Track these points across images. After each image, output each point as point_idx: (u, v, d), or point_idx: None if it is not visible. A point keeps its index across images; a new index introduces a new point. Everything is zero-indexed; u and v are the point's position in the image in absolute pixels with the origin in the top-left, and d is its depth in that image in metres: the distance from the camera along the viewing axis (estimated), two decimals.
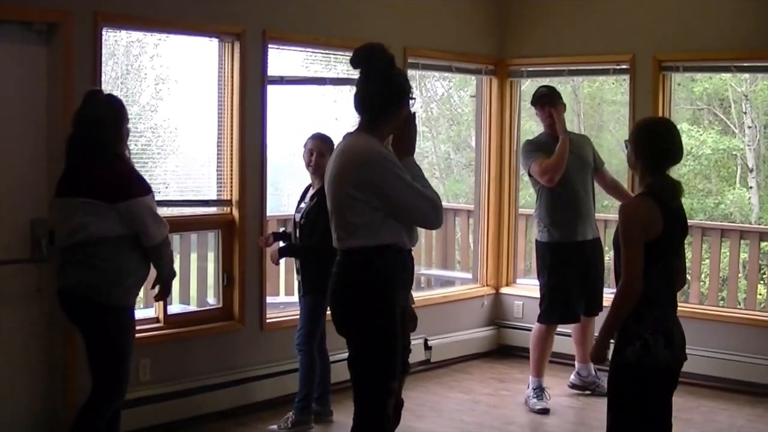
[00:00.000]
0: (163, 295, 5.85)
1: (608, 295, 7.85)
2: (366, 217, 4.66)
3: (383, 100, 4.74)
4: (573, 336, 7.99)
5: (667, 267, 4.64)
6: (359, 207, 4.66)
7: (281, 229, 7.50)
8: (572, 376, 8.09)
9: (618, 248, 4.61)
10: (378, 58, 4.79)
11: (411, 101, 4.85)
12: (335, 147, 4.97)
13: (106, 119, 5.33)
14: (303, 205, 6.91)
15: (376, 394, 4.77)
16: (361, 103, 4.81)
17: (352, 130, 4.90)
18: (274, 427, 6.91)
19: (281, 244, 7.11)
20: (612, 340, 4.69)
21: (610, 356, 4.73)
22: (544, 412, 7.53)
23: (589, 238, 7.66)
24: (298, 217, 6.91)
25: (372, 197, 4.62)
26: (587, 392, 7.94)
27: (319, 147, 6.82)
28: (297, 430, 6.84)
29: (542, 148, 7.55)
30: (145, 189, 5.37)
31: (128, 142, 5.55)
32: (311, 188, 6.94)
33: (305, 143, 6.91)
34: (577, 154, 7.59)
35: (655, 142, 4.67)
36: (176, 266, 7.72)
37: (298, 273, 6.96)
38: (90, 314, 5.36)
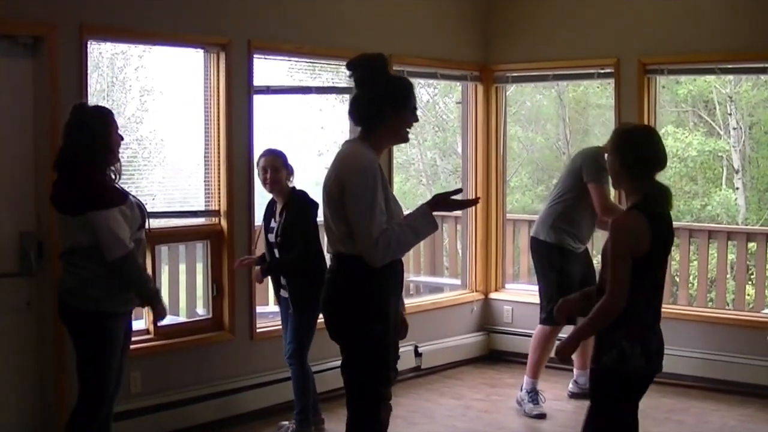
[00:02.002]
0: (155, 317, 5.82)
1: None
2: (346, 226, 4.68)
3: (375, 109, 4.75)
4: None
5: (652, 280, 4.62)
6: (340, 213, 4.69)
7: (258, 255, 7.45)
8: (570, 385, 8.07)
9: (606, 261, 4.59)
10: (371, 66, 4.81)
11: (412, 110, 4.84)
12: (335, 154, 4.97)
13: (74, 130, 5.32)
14: (274, 224, 6.89)
15: (369, 399, 4.78)
16: (352, 112, 4.87)
17: (351, 138, 4.95)
18: None
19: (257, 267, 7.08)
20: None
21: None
22: (542, 417, 7.53)
23: (582, 250, 7.73)
24: (272, 237, 6.85)
25: (343, 207, 4.66)
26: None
27: (272, 162, 6.79)
28: None
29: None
30: (106, 202, 5.24)
31: (115, 153, 5.48)
32: (276, 205, 6.91)
33: (257, 161, 6.89)
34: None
35: (644, 145, 4.61)
36: (164, 280, 7.80)
37: (283, 288, 6.90)
38: (72, 319, 5.39)
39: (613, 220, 4.59)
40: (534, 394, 7.66)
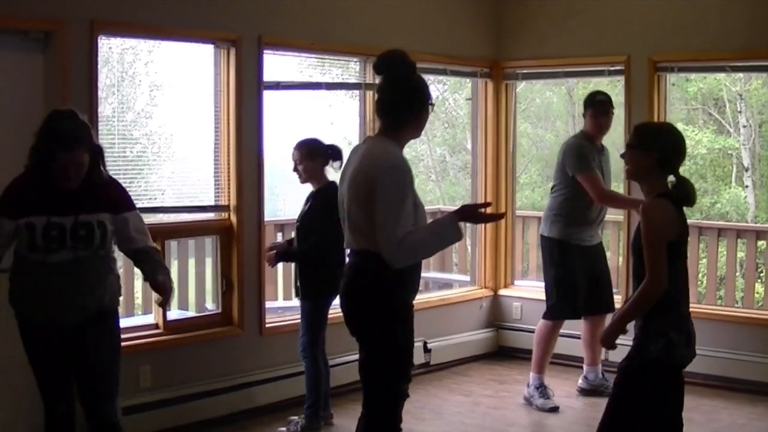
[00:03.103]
0: None
1: (616, 296, 7.98)
2: (370, 223, 4.66)
3: (405, 105, 4.79)
4: (582, 338, 7.98)
5: (683, 268, 4.69)
6: (367, 211, 4.66)
7: (285, 240, 7.54)
8: (580, 381, 8.06)
9: (637, 251, 4.63)
10: (400, 64, 4.85)
11: (430, 107, 4.90)
12: (356, 149, 4.99)
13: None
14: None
15: (387, 396, 4.79)
16: (383, 108, 4.86)
17: (373, 134, 4.96)
18: (283, 429, 6.93)
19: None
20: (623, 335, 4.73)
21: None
22: (555, 410, 7.54)
23: (594, 243, 7.73)
24: (298, 222, 6.93)
25: (370, 203, 4.63)
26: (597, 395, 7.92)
27: (295, 155, 6.84)
28: None
29: (591, 158, 7.57)
30: None
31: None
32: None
33: (292, 154, 6.91)
34: (605, 166, 7.73)
35: (682, 144, 4.76)
36: (174, 274, 7.79)
37: (298, 278, 6.95)
38: None
39: (643, 207, 4.63)
40: (543, 389, 7.67)
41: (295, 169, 6.85)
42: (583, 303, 7.64)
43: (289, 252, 6.98)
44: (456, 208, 4.84)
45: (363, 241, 4.72)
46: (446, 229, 4.73)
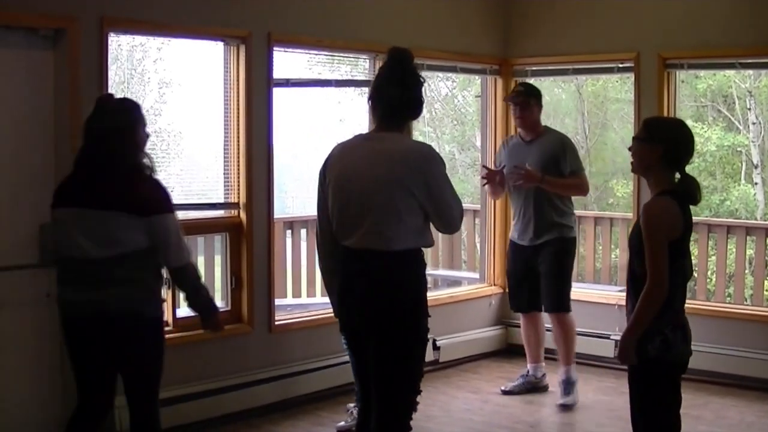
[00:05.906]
0: (212, 326, 5.44)
1: (580, 290, 8.34)
2: (417, 218, 4.66)
3: (420, 103, 4.84)
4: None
5: (683, 266, 4.66)
6: (413, 205, 4.64)
7: None
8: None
9: (634, 249, 4.60)
10: (412, 62, 4.83)
11: None
12: (355, 146, 4.91)
13: (123, 129, 5.04)
14: None
15: (410, 394, 4.79)
16: (403, 104, 4.80)
17: (372, 131, 4.93)
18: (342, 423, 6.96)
19: None
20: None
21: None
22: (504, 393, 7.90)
23: (537, 243, 7.67)
24: None
25: (422, 194, 4.63)
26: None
27: None
28: None
29: (505, 152, 7.86)
30: (172, 205, 5.17)
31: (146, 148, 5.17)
32: None
33: None
34: (528, 158, 7.62)
35: (690, 141, 4.75)
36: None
37: None
38: (146, 329, 5.10)
39: (644, 206, 4.62)
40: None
41: None
42: (519, 300, 7.93)
43: None
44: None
45: (398, 241, 4.63)
46: None
